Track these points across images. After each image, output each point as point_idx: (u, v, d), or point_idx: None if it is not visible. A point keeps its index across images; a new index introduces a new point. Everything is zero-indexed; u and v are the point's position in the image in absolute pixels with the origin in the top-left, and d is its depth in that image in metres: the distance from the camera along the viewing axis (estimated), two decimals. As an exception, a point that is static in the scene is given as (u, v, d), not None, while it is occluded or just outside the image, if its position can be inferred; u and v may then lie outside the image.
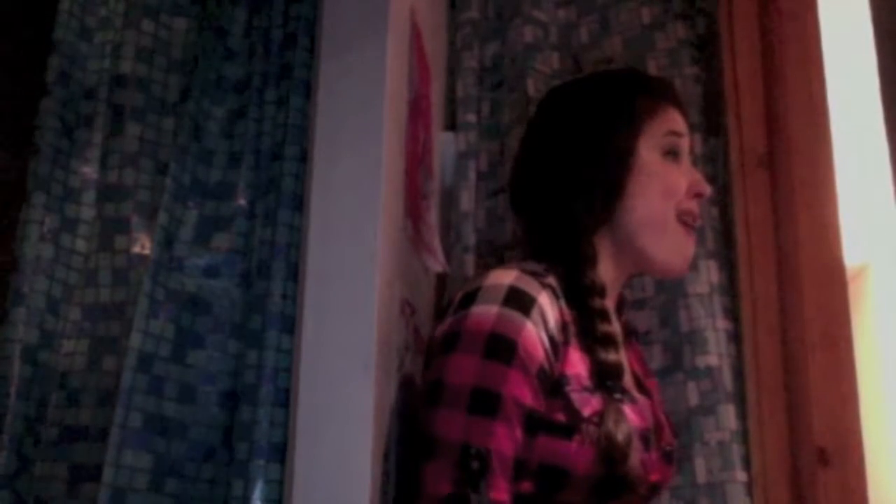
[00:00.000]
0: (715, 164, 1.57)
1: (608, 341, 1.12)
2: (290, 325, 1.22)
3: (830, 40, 1.54)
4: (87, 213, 1.40)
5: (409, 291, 1.35)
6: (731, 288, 1.50)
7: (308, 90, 1.33)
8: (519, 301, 1.08)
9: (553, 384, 1.08)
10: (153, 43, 1.46)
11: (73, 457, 1.28)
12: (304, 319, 1.19)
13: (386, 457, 1.16)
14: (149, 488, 1.22)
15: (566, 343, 1.10)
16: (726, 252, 1.52)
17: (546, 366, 1.06)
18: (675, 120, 1.24)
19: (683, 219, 1.22)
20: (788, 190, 1.49)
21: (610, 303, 1.21)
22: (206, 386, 1.29)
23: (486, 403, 1.04)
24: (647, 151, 1.21)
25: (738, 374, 1.46)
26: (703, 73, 1.62)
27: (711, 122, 1.59)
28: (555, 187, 1.22)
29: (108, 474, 1.18)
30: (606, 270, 1.21)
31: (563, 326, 1.10)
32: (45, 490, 1.28)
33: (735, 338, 1.48)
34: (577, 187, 1.20)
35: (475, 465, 1.02)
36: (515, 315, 1.06)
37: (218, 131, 1.40)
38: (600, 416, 1.07)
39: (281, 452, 1.17)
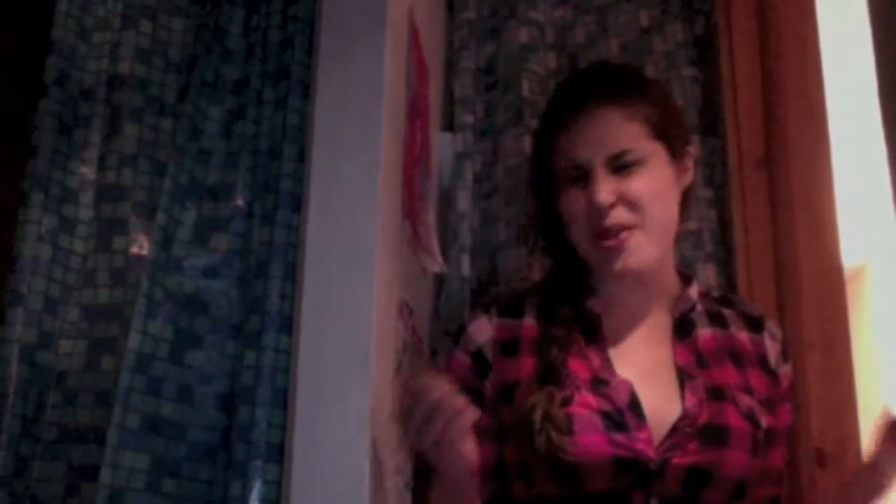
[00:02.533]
0: (713, 166, 1.57)
1: (554, 342, 1.20)
2: (288, 325, 1.22)
3: (829, 41, 1.54)
4: (85, 213, 1.40)
5: (406, 292, 1.35)
6: (729, 289, 1.50)
7: (306, 91, 1.33)
8: (457, 333, 1.31)
9: (499, 392, 1.22)
10: (151, 43, 1.46)
11: (71, 457, 1.28)
12: (302, 320, 1.19)
13: None
14: (146, 489, 1.21)
15: (509, 355, 1.23)
16: (724, 254, 1.52)
17: (470, 380, 1.23)
18: (565, 152, 1.22)
19: (599, 238, 1.21)
20: (786, 191, 1.49)
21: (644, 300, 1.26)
22: (204, 387, 1.29)
23: None
24: (558, 189, 1.24)
25: (737, 375, 1.46)
26: (702, 74, 1.62)
27: (709, 123, 1.59)
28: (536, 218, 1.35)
29: (105, 475, 1.18)
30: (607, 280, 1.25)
31: (500, 343, 1.25)
32: (43, 490, 1.28)
33: (733, 339, 1.48)
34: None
35: None
36: (453, 346, 1.30)
37: (216, 132, 1.40)
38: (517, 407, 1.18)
39: (279, 453, 1.17)
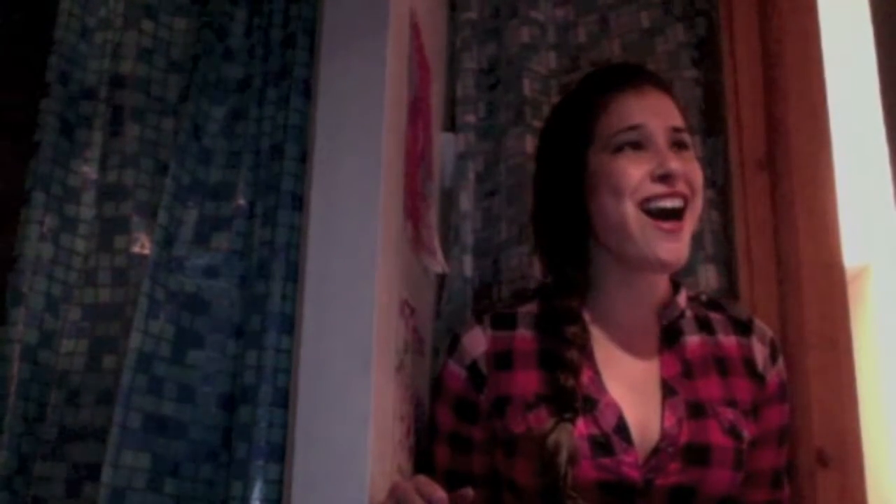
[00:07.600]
0: (714, 166, 1.57)
1: (567, 366, 1.18)
2: (290, 325, 1.22)
3: (830, 41, 1.54)
4: (87, 212, 1.40)
5: (408, 292, 1.35)
6: (730, 290, 1.50)
7: (308, 90, 1.33)
8: (451, 344, 1.30)
9: (493, 405, 1.23)
10: (153, 43, 1.46)
11: (73, 457, 1.28)
12: (304, 320, 1.19)
13: None
14: (148, 488, 1.21)
15: (503, 369, 1.23)
16: (725, 254, 1.52)
17: (465, 395, 1.26)
18: (622, 114, 1.19)
19: (648, 208, 1.16)
20: (788, 191, 1.49)
21: (643, 313, 1.25)
22: (205, 386, 1.29)
23: (432, 432, 1.31)
24: (596, 156, 1.20)
25: (738, 376, 1.45)
26: (703, 75, 1.62)
27: (711, 124, 1.59)
28: (540, 216, 1.32)
29: (107, 474, 1.18)
30: (612, 280, 1.24)
31: (495, 356, 1.24)
32: (44, 490, 1.28)
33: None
34: (552, 214, 1.28)
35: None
36: (446, 357, 1.29)
37: (218, 131, 1.40)
38: (530, 430, 1.16)
39: (280, 453, 1.17)
